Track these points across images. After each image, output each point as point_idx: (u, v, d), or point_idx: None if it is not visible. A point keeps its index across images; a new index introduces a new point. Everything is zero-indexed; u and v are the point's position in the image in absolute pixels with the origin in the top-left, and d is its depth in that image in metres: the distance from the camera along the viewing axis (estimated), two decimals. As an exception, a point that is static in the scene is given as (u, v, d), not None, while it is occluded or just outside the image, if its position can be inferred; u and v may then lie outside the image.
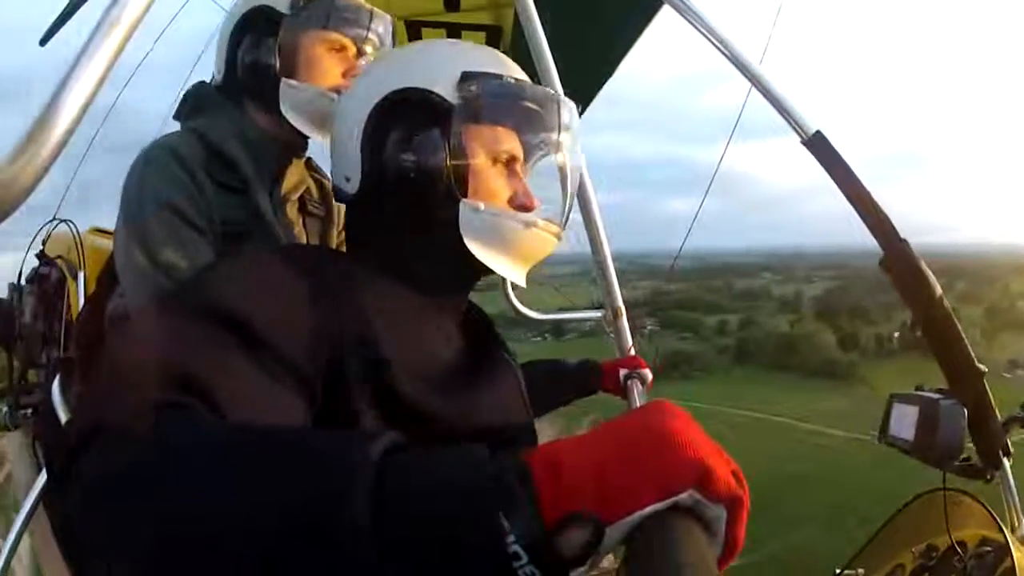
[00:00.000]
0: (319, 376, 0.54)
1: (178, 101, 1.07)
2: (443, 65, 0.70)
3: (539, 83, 1.46)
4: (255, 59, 1.00)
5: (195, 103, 1.05)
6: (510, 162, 0.72)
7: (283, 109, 0.97)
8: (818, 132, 0.98)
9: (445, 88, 0.68)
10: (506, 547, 0.32)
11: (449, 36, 1.99)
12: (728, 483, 0.36)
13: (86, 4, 0.96)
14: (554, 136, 0.73)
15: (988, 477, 0.97)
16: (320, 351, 0.54)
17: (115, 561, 0.37)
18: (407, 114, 0.68)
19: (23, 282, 1.41)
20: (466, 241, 0.68)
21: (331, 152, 0.76)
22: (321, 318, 0.56)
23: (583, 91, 2.11)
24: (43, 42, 1.24)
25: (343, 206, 1.07)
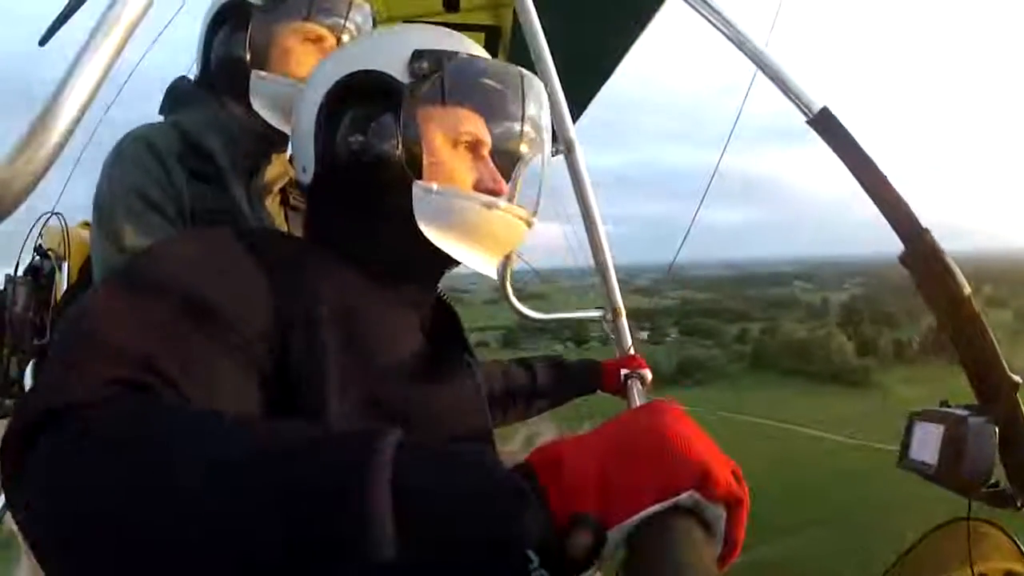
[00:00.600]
0: (270, 357, 0.52)
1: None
2: (394, 45, 0.66)
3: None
4: (228, 52, 1.00)
5: (175, 97, 1.06)
6: (476, 146, 0.67)
7: (253, 101, 0.97)
8: (824, 109, 0.90)
9: (396, 68, 0.64)
10: (521, 549, 0.32)
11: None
12: (728, 483, 0.36)
13: (86, 4, 0.96)
14: (519, 116, 0.68)
15: (1019, 505, 0.84)
16: (272, 333, 0.53)
17: (76, 558, 0.34)
18: (359, 97, 0.66)
19: (19, 274, 1.42)
20: (420, 225, 0.63)
21: (291, 144, 0.73)
22: (274, 300, 0.54)
23: (583, 91, 2.11)
24: (43, 42, 1.23)
25: None
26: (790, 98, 0.95)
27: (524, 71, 0.69)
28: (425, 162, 0.64)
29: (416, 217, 0.64)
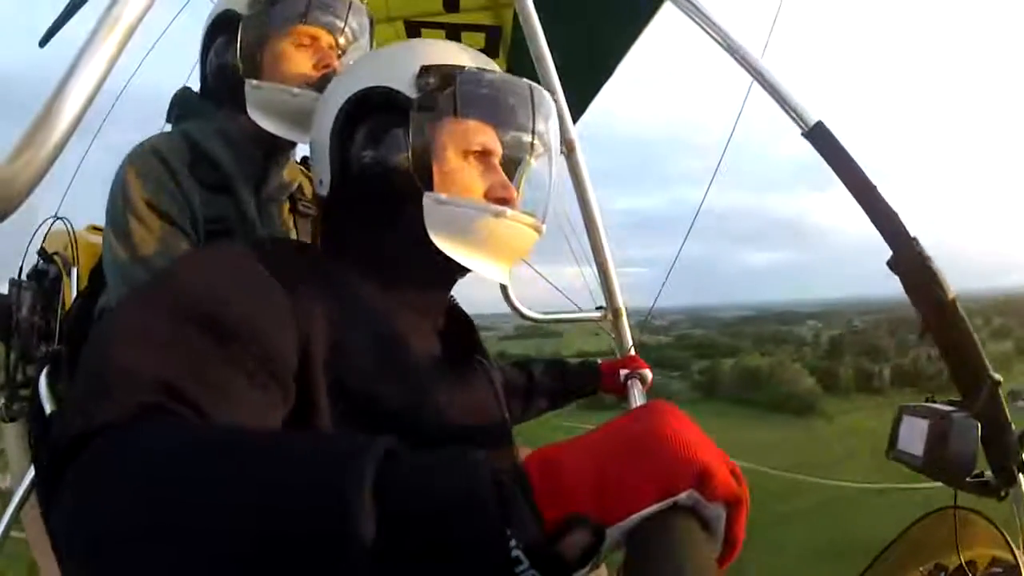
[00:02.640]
0: (290, 370, 0.53)
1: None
2: (402, 62, 0.68)
3: (539, 83, 1.46)
4: (221, 63, 1.01)
5: (180, 108, 1.06)
6: (485, 156, 0.68)
7: (248, 110, 0.96)
8: (819, 123, 0.94)
9: (404, 83, 0.66)
10: (508, 552, 0.32)
11: (449, 37, 2.00)
12: (727, 483, 0.36)
13: (86, 4, 0.97)
14: (527, 126, 0.70)
15: (1002, 495, 0.89)
16: (292, 346, 0.54)
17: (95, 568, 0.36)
18: (370, 113, 0.68)
19: (23, 278, 1.42)
20: (431, 235, 0.65)
21: (311, 158, 0.76)
22: (292, 313, 0.55)
23: (583, 91, 2.11)
24: (43, 43, 1.24)
25: None
26: (786, 111, 0.97)
27: (532, 83, 0.70)
28: (436, 173, 0.65)
29: (427, 227, 0.64)
